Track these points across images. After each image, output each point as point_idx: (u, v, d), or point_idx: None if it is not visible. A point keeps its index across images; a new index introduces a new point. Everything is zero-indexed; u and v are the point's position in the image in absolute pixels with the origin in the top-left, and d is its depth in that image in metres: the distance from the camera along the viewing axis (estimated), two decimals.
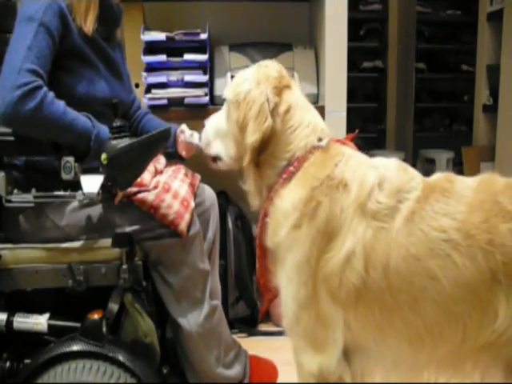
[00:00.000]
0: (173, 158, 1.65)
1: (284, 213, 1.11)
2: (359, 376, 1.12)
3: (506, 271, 0.94)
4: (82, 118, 1.30)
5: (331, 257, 1.05)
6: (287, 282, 1.12)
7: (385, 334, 1.05)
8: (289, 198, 1.11)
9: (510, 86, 2.80)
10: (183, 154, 1.63)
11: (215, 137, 1.28)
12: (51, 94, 1.25)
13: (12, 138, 1.28)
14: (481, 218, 0.97)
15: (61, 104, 1.27)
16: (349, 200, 1.06)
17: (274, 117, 1.15)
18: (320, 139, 1.17)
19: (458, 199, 1.01)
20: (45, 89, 1.24)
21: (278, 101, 1.16)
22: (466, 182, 1.05)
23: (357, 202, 1.05)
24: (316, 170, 1.11)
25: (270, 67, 1.22)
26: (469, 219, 0.98)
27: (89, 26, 1.39)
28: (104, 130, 1.32)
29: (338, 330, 1.07)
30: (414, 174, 1.10)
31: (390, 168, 1.10)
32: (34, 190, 1.31)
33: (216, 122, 1.29)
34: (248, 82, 1.19)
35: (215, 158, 1.30)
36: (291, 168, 1.13)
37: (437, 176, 1.10)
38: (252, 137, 1.13)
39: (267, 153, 1.16)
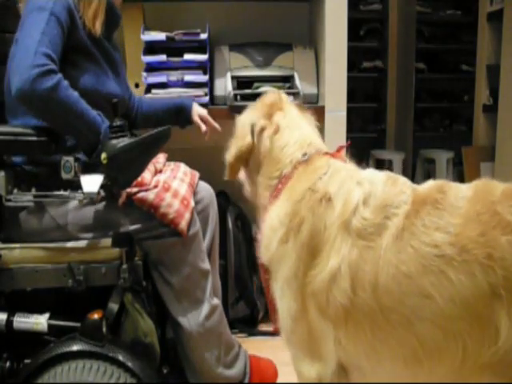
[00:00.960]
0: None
1: (272, 228, 1.11)
2: None
3: (506, 286, 0.88)
4: (93, 111, 1.30)
5: (317, 273, 1.03)
6: (280, 296, 1.11)
7: (378, 354, 1.01)
8: (275, 214, 1.11)
9: (510, 85, 2.80)
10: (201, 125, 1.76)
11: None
12: (66, 82, 1.26)
13: (12, 138, 1.28)
14: (478, 230, 0.91)
15: (75, 92, 1.28)
16: (333, 216, 1.03)
17: (263, 139, 1.19)
18: (305, 154, 1.16)
19: (451, 211, 0.96)
20: (60, 75, 1.25)
21: (266, 124, 1.20)
22: (460, 191, 0.99)
23: (341, 219, 1.02)
24: (298, 183, 1.11)
25: (268, 95, 1.27)
26: (464, 232, 0.92)
27: (97, 28, 1.42)
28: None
29: (330, 344, 1.05)
30: (403, 186, 1.05)
31: (376, 182, 1.06)
32: (33, 190, 1.31)
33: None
34: (246, 112, 1.27)
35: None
36: (279, 185, 1.14)
37: (428, 185, 1.04)
38: (229, 153, 1.22)
39: (261, 174, 1.20)
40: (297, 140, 1.18)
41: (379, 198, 1.02)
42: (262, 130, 1.19)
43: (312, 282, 1.03)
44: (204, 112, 1.78)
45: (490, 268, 0.89)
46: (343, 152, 1.22)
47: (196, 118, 1.76)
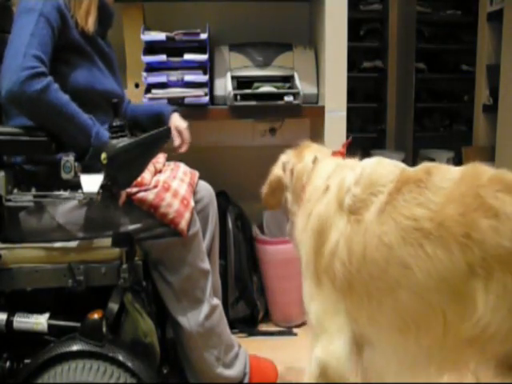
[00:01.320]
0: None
1: (297, 228, 1.29)
2: (368, 367, 1.13)
3: (484, 266, 0.91)
4: (84, 114, 1.30)
5: (325, 250, 1.14)
6: (303, 279, 1.24)
7: (377, 322, 1.07)
8: (299, 214, 1.30)
9: (510, 85, 2.80)
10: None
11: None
12: (56, 84, 1.26)
13: (12, 138, 1.28)
14: (458, 210, 0.95)
15: (65, 95, 1.28)
16: (331, 199, 1.17)
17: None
18: (314, 160, 1.36)
19: (435, 190, 1.01)
20: (50, 77, 1.25)
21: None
22: (448, 173, 1.05)
23: (337, 199, 1.15)
24: (310, 185, 1.30)
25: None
26: (444, 210, 0.96)
27: (90, 25, 1.42)
28: (104, 132, 1.32)
29: (342, 316, 1.12)
30: (394, 168, 1.13)
31: (367, 166, 1.17)
32: (33, 190, 1.31)
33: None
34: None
35: None
36: (302, 195, 1.32)
37: (419, 167, 1.11)
38: (266, 182, 1.49)
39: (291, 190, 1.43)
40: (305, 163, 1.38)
41: (368, 178, 1.12)
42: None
43: (323, 259, 1.14)
44: (182, 125, 1.66)
45: (467, 247, 0.92)
46: (344, 149, 1.39)
47: (172, 130, 1.65)
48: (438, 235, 0.96)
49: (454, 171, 1.06)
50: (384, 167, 1.15)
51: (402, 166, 1.15)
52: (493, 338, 0.93)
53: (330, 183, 1.21)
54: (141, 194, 1.36)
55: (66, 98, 1.28)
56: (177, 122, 1.67)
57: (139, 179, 1.35)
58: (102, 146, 1.25)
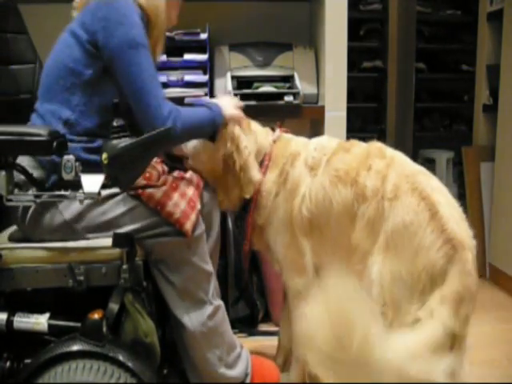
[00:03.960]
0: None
1: (267, 191, 1.60)
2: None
3: (361, 197, 1.43)
4: (200, 110, 1.52)
5: (295, 204, 1.54)
6: (276, 235, 1.61)
7: (329, 251, 1.52)
8: (268, 180, 1.60)
9: (510, 86, 2.80)
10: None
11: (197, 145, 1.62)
12: (178, 108, 1.38)
13: (12, 138, 1.28)
14: (355, 165, 1.48)
15: (185, 111, 1.41)
16: (300, 162, 1.58)
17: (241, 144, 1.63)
18: (272, 137, 1.68)
19: (351, 155, 1.52)
20: (176, 107, 1.39)
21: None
22: (362, 146, 1.57)
23: (304, 162, 1.58)
24: (281, 153, 1.62)
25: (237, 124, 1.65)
26: (350, 165, 1.49)
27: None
28: (216, 108, 1.53)
29: (309, 255, 1.55)
30: (334, 141, 1.63)
31: (321, 139, 1.67)
32: (34, 190, 1.31)
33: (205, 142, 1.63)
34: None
35: (185, 156, 1.61)
36: (265, 162, 1.63)
37: (348, 142, 1.62)
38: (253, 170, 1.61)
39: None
40: (260, 134, 1.68)
41: (321, 145, 1.61)
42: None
43: (294, 210, 1.55)
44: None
45: (355, 185, 1.45)
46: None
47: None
48: (343, 179, 1.47)
49: (363, 145, 1.57)
50: (330, 140, 1.65)
51: (341, 141, 1.65)
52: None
53: (299, 150, 1.60)
54: (149, 191, 1.36)
55: (187, 112, 1.43)
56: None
57: (147, 175, 1.35)
58: (221, 119, 1.54)
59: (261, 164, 1.61)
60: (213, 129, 1.54)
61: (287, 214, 1.56)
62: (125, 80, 1.34)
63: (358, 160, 1.49)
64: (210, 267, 1.49)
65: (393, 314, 1.27)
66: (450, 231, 1.28)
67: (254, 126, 1.69)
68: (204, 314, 1.45)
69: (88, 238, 1.37)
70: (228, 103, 1.63)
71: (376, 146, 1.55)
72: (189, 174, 1.56)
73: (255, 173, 1.58)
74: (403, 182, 1.38)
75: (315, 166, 1.54)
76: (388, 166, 1.44)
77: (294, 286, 1.61)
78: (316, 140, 1.66)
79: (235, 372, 1.54)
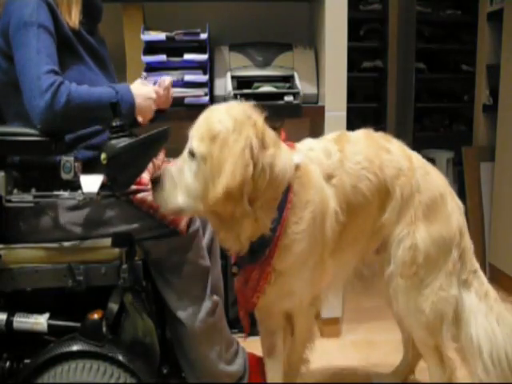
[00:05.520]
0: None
1: (302, 231, 1.29)
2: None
3: (395, 178, 1.46)
4: (103, 89, 1.35)
5: (328, 225, 1.36)
6: (308, 275, 1.35)
7: (344, 251, 1.45)
8: (302, 219, 1.28)
9: (510, 85, 2.80)
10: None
11: (177, 189, 1.21)
12: (73, 84, 1.30)
13: (12, 138, 1.28)
14: (374, 155, 1.45)
15: (84, 87, 1.32)
16: (323, 183, 1.36)
17: (264, 168, 1.18)
18: (296, 167, 1.31)
19: (356, 143, 1.47)
20: (66, 82, 1.29)
21: (260, 145, 1.17)
22: (356, 135, 1.52)
23: (323, 176, 1.37)
24: (308, 185, 1.31)
25: (245, 108, 1.23)
26: (367, 153, 1.44)
27: (74, 19, 1.42)
28: (123, 87, 1.39)
29: (328, 273, 1.42)
30: (325, 138, 1.51)
31: (314, 142, 1.47)
32: (33, 190, 1.31)
33: (176, 174, 1.22)
34: (225, 122, 1.17)
35: (176, 212, 1.26)
36: (291, 195, 1.26)
37: (336, 134, 1.51)
38: (230, 181, 1.11)
39: (264, 199, 1.21)
40: (281, 152, 1.26)
41: (324, 149, 1.43)
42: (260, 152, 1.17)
43: (327, 236, 1.36)
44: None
45: (381, 172, 1.44)
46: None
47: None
48: (370, 169, 1.43)
49: (358, 133, 1.54)
50: (318, 142, 1.48)
51: (326, 137, 1.52)
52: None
53: (313, 173, 1.35)
54: (141, 195, 1.36)
55: (85, 90, 1.31)
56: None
57: (138, 179, 1.34)
58: (131, 101, 1.38)
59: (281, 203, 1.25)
60: (107, 113, 1.30)
61: (318, 241, 1.33)
62: (15, 64, 1.31)
63: (371, 146, 1.47)
64: (207, 262, 1.50)
65: (425, 272, 1.46)
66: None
67: (271, 135, 1.26)
68: (203, 312, 1.45)
69: (85, 239, 1.37)
70: (143, 95, 1.44)
71: (367, 131, 1.54)
72: None
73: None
74: (421, 159, 1.55)
75: (330, 173, 1.39)
76: (403, 147, 1.54)
77: (310, 316, 1.47)
78: (306, 146, 1.43)
79: (234, 368, 1.55)
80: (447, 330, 1.51)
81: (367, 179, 1.42)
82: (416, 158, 1.54)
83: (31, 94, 1.26)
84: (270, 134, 1.25)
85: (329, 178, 1.38)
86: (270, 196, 1.22)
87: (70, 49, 1.41)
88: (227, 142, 1.14)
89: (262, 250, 1.26)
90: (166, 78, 1.61)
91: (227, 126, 1.16)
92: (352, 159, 1.42)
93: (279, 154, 1.23)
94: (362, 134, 1.52)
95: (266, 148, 1.19)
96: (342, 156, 1.42)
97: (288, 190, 1.25)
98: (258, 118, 1.21)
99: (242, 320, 1.41)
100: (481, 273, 1.58)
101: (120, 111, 1.29)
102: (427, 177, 1.50)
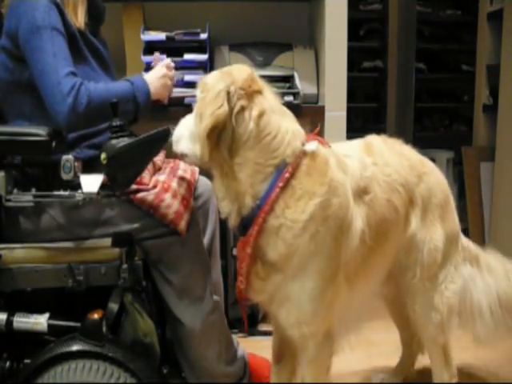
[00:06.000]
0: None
1: (301, 222, 1.16)
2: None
3: (416, 196, 1.43)
4: (119, 84, 1.44)
5: (349, 245, 1.25)
6: (312, 288, 1.21)
7: (368, 275, 1.38)
8: (301, 208, 1.17)
9: (510, 85, 2.80)
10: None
11: (184, 135, 1.26)
12: (92, 83, 1.34)
13: (12, 138, 1.29)
14: (396, 161, 1.42)
15: (101, 85, 1.36)
16: (349, 191, 1.26)
17: (244, 120, 1.15)
18: (303, 143, 1.21)
19: (383, 154, 1.41)
20: (85, 82, 1.32)
21: (246, 104, 1.16)
22: (377, 145, 1.45)
23: (354, 189, 1.28)
24: (318, 175, 1.19)
25: (242, 69, 1.23)
26: (393, 163, 1.41)
27: (80, 19, 1.43)
28: (137, 78, 1.48)
29: (341, 301, 1.28)
30: (352, 146, 1.44)
31: (355, 149, 1.41)
32: (33, 190, 1.31)
33: (187, 121, 1.28)
34: (215, 76, 1.23)
35: (182, 155, 1.29)
36: (286, 175, 1.16)
37: (362, 143, 1.45)
38: (204, 122, 1.14)
39: (244, 158, 1.17)
40: (289, 128, 1.21)
41: (360, 161, 1.35)
42: (243, 109, 1.15)
43: (345, 256, 1.25)
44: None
45: (408, 185, 1.41)
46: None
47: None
48: (399, 180, 1.39)
49: (379, 141, 1.49)
50: (352, 147, 1.44)
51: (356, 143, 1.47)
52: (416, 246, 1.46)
53: (340, 177, 1.24)
54: (141, 195, 1.36)
55: (102, 88, 1.36)
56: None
57: (138, 178, 1.34)
58: (147, 95, 1.47)
59: (277, 175, 1.17)
60: (135, 106, 1.44)
61: (336, 260, 1.22)
62: (31, 68, 1.32)
63: (393, 155, 1.44)
64: (207, 262, 1.50)
65: (441, 270, 1.49)
66: None
67: (275, 102, 1.23)
68: (203, 312, 1.45)
69: (84, 239, 1.37)
70: (155, 77, 1.55)
71: (382, 137, 1.51)
72: (181, 171, 1.55)
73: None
74: (428, 161, 1.54)
75: (367, 188, 1.31)
76: (413, 151, 1.53)
77: (322, 354, 1.30)
78: (353, 154, 1.37)
79: (234, 368, 1.54)
80: (454, 322, 1.53)
81: (397, 191, 1.38)
82: (425, 160, 1.54)
83: (54, 100, 1.29)
84: (271, 99, 1.22)
85: (362, 193, 1.30)
86: (254, 159, 1.17)
87: (75, 49, 1.42)
88: (211, 88, 1.17)
89: (250, 226, 1.19)
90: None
91: (216, 74, 1.23)
92: (384, 171, 1.37)
93: (277, 120, 1.19)
94: (381, 142, 1.47)
95: (255, 103, 1.17)
96: (376, 169, 1.36)
97: (285, 168, 1.17)
98: (249, 79, 1.19)
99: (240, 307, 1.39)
100: (464, 238, 1.63)
101: (136, 107, 1.42)
102: (438, 178, 1.51)
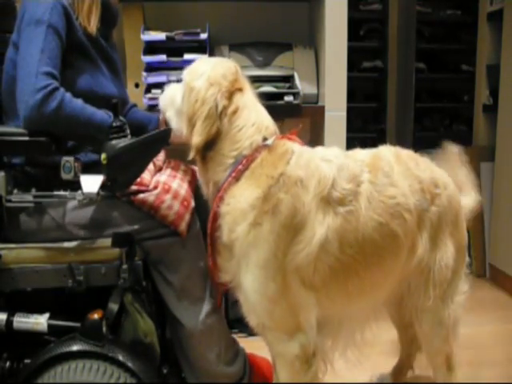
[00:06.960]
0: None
1: (241, 211, 1.20)
2: (327, 344, 1.36)
3: (425, 220, 1.35)
4: (99, 112, 1.35)
5: (302, 249, 1.19)
6: (253, 280, 1.22)
7: (350, 295, 1.29)
8: (244, 197, 1.21)
9: (510, 85, 2.80)
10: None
11: (170, 106, 1.37)
12: (68, 94, 1.30)
13: (12, 138, 1.29)
14: (406, 183, 1.32)
15: (78, 101, 1.32)
16: (309, 194, 1.20)
17: (222, 118, 1.24)
18: (265, 138, 1.26)
19: (391, 173, 1.31)
20: (62, 89, 1.29)
21: (227, 103, 1.24)
22: (387, 156, 1.36)
23: (320, 195, 1.21)
24: (269, 169, 1.21)
25: (227, 68, 1.30)
26: (402, 185, 1.31)
27: (92, 25, 1.44)
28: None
29: (312, 311, 1.25)
30: (355, 158, 1.33)
31: (339, 157, 1.30)
32: (33, 190, 1.31)
33: (174, 93, 1.36)
34: (202, 79, 1.27)
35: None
36: (240, 166, 1.23)
37: (369, 156, 1.34)
38: (197, 138, 1.23)
39: (215, 150, 1.26)
40: (255, 122, 1.26)
41: (348, 170, 1.27)
42: (224, 108, 1.24)
43: (295, 259, 1.20)
44: None
45: (414, 208, 1.32)
46: (296, 135, 1.36)
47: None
48: (405, 203, 1.30)
49: (388, 154, 1.39)
50: (350, 158, 1.33)
51: (354, 153, 1.37)
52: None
53: (300, 175, 1.21)
54: (141, 196, 1.36)
55: (79, 105, 1.32)
56: None
57: (138, 179, 1.34)
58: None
59: (233, 166, 1.23)
60: (98, 134, 1.33)
61: (277, 258, 1.19)
62: (18, 56, 1.32)
63: (403, 174, 1.33)
64: (207, 263, 1.49)
65: (450, 286, 1.43)
66: None
67: (250, 98, 1.31)
68: (202, 313, 1.45)
69: (85, 240, 1.37)
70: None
71: (395, 151, 1.42)
72: (182, 172, 1.55)
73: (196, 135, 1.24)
74: (444, 175, 1.47)
75: (347, 200, 1.23)
76: (429, 165, 1.45)
77: (287, 351, 1.26)
78: (334, 159, 1.28)
79: (233, 369, 1.54)
80: (459, 332, 1.51)
81: (401, 217, 1.28)
82: (438, 177, 1.42)
83: (24, 90, 1.27)
84: (248, 95, 1.30)
85: (335, 202, 1.22)
86: (220, 150, 1.26)
87: (83, 53, 1.42)
88: (199, 98, 1.24)
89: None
90: None
91: (202, 84, 1.26)
92: (385, 192, 1.27)
93: (247, 114, 1.26)
94: (393, 157, 1.36)
95: (233, 101, 1.26)
96: (371, 188, 1.26)
97: (246, 158, 1.23)
98: (233, 79, 1.28)
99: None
100: None
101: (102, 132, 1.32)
102: (450, 196, 1.42)
